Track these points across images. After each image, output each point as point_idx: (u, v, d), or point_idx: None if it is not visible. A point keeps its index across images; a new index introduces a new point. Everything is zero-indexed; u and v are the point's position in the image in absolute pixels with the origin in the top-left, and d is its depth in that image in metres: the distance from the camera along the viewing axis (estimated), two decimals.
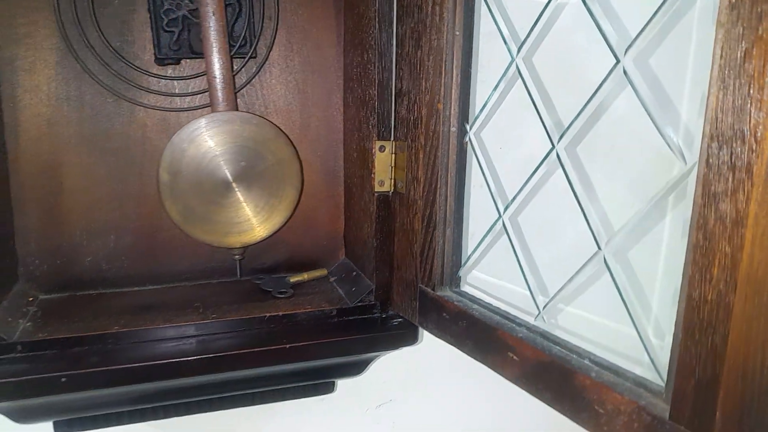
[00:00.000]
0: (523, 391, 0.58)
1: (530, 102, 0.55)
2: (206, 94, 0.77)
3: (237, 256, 0.82)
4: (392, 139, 0.73)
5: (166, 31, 0.74)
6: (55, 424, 0.74)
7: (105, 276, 0.81)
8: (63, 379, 0.64)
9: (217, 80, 0.73)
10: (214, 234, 0.76)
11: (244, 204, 0.75)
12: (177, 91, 0.77)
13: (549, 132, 0.53)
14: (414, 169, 0.70)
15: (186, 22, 0.74)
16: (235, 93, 0.76)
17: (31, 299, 0.77)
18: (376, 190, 0.74)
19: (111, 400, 0.71)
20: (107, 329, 0.69)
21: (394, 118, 0.73)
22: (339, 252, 0.91)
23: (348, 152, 0.85)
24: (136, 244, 0.81)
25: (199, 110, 0.78)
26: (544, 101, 0.54)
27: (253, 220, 0.76)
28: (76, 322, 0.71)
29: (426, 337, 0.83)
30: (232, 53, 0.77)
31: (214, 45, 0.72)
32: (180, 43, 0.75)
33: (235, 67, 0.77)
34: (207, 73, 0.73)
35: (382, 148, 0.73)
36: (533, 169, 0.56)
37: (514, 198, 0.59)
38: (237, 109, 0.76)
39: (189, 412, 0.78)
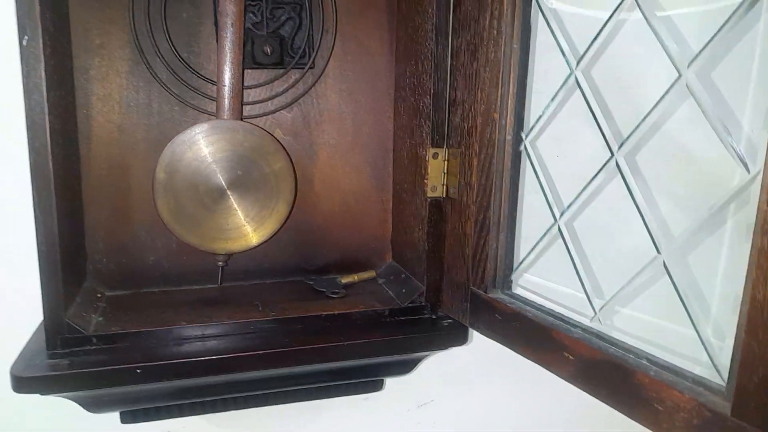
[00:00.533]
0: (568, 391, 0.60)
1: (588, 111, 0.58)
2: (266, 102, 0.80)
3: (220, 263, 0.82)
4: (446, 146, 0.76)
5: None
6: (121, 414, 0.78)
7: (167, 274, 0.85)
8: (138, 371, 0.68)
9: (226, 89, 0.75)
10: (200, 237, 0.77)
11: (236, 212, 0.77)
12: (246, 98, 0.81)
13: (608, 141, 0.56)
14: (467, 176, 0.73)
15: (249, 34, 0.78)
16: (242, 103, 0.78)
17: (99, 296, 0.81)
18: (428, 195, 0.77)
19: (175, 392, 0.75)
20: (175, 323, 0.73)
21: (448, 126, 0.76)
22: (386, 254, 0.94)
23: (398, 158, 0.88)
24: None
25: (258, 118, 0.82)
26: (603, 111, 0.57)
27: (242, 229, 0.77)
28: (145, 316, 0.75)
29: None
30: (291, 65, 0.81)
31: (228, 55, 0.75)
32: (244, 53, 0.79)
33: (294, 78, 0.81)
34: (217, 81, 0.76)
35: (435, 155, 0.77)
36: (591, 177, 0.58)
37: (570, 204, 0.61)
38: (242, 119, 0.78)
39: (245, 406, 0.81)
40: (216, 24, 0.78)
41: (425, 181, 0.78)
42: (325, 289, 0.84)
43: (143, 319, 0.74)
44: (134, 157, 0.80)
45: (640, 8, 0.52)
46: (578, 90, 0.59)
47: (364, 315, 0.79)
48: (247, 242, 0.77)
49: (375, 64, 0.86)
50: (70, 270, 0.71)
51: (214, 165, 0.73)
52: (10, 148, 0.76)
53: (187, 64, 0.79)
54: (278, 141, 0.78)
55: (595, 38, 0.56)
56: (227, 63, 0.73)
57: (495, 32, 0.66)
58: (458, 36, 0.73)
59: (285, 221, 0.79)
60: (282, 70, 0.81)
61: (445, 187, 0.77)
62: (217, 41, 0.74)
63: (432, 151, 0.76)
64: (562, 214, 0.63)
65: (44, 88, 0.62)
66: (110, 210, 0.81)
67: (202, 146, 0.72)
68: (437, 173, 0.77)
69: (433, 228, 0.78)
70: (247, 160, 0.74)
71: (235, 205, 0.75)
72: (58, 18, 0.70)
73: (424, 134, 0.78)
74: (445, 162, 0.77)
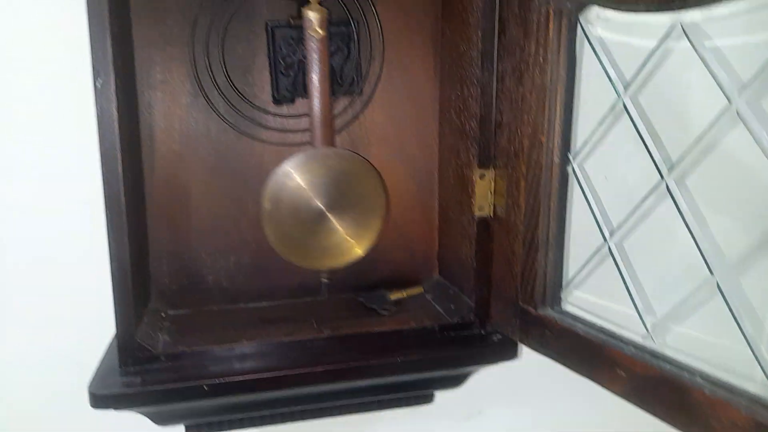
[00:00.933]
0: (618, 407, 0.62)
1: (636, 135, 0.60)
2: None
3: (324, 279, 0.87)
4: (492, 167, 0.79)
5: (284, 75, 0.83)
6: (186, 427, 0.82)
7: (226, 293, 0.89)
8: (204, 387, 0.72)
9: (317, 119, 0.80)
10: (306, 258, 0.82)
11: (336, 231, 0.81)
12: (290, 127, 0.85)
13: (658, 165, 0.58)
14: (515, 196, 0.75)
15: (301, 66, 0.82)
16: (334, 130, 0.82)
17: (163, 315, 0.86)
18: (476, 214, 0.80)
19: (236, 406, 0.79)
20: (237, 342, 0.77)
21: (494, 148, 0.78)
22: (433, 270, 0.97)
23: (444, 178, 0.91)
24: (252, 264, 0.89)
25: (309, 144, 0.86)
26: (652, 136, 0.59)
27: (344, 245, 0.82)
28: (208, 335, 0.80)
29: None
30: (341, 92, 0.84)
31: (316, 87, 0.79)
32: (295, 85, 0.83)
33: (345, 104, 0.85)
34: (309, 112, 0.80)
35: (482, 176, 0.79)
36: (641, 199, 0.60)
37: (620, 225, 0.63)
38: (334, 145, 0.82)
39: (302, 419, 0.85)
40: (270, 57, 0.82)
41: (472, 201, 0.80)
42: (375, 306, 0.88)
43: (207, 338, 0.78)
44: (194, 183, 0.85)
45: (688, 38, 0.53)
46: (626, 115, 0.61)
47: (415, 331, 0.81)
48: (348, 257, 0.83)
49: (420, 88, 0.89)
50: (137, 292, 0.76)
51: (313, 191, 0.79)
52: (84, 180, 0.82)
53: (242, 95, 0.83)
54: (368, 161, 0.82)
55: (643, 66, 0.58)
56: (316, 95, 0.77)
57: (541, 59, 0.68)
58: (503, 61, 0.75)
59: (380, 233, 0.84)
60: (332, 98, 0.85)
61: (492, 206, 0.80)
62: (305, 80, 0.79)
63: (479, 172, 0.79)
64: (612, 235, 0.65)
65: (116, 126, 0.67)
66: (172, 234, 0.86)
67: (300, 174, 0.78)
68: (484, 193, 0.80)
69: (480, 246, 0.81)
70: (342, 182, 0.80)
71: (335, 225, 0.80)
72: (126, 59, 0.75)
73: (470, 156, 0.80)
74: (492, 182, 0.79)
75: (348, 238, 0.82)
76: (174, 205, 0.85)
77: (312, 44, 0.75)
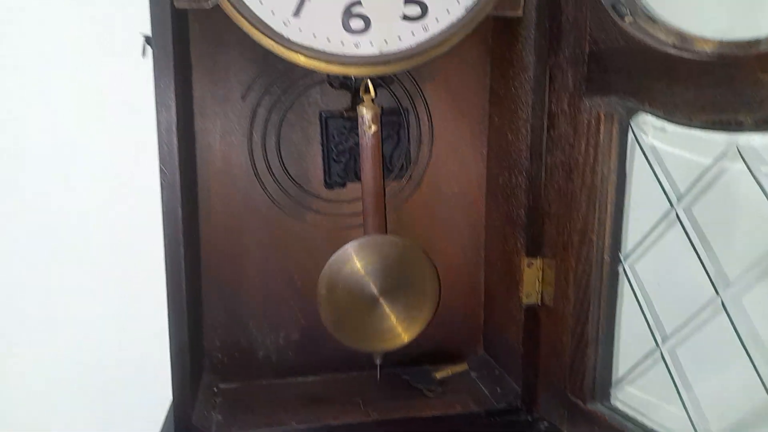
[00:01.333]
0: None
1: (690, 246, 0.60)
2: None
3: (378, 361, 0.88)
4: (540, 256, 0.80)
5: (335, 161, 0.86)
6: None
7: (275, 367, 0.91)
8: None
9: (370, 207, 0.82)
10: (360, 341, 0.84)
11: (389, 316, 0.83)
12: (342, 210, 0.88)
13: (713, 280, 0.58)
14: (563, 287, 0.75)
15: (352, 152, 0.85)
16: (386, 217, 0.85)
17: (215, 389, 0.89)
18: (524, 302, 0.80)
19: None
20: (286, 424, 0.79)
21: (542, 237, 0.79)
22: (477, 346, 0.97)
23: (490, 260, 0.92)
24: (301, 339, 0.91)
25: (360, 228, 0.88)
26: (706, 249, 0.59)
27: (395, 330, 0.84)
28: (258, 415, 0.82)
29: None
30: (391, 177, 0.87)
31: (369, 178, 0.81)
32: (347, 171, 0.86)
33: (395, 188, 0.87)
34: (362, 201, 0.82)
35: (530, 264, 0.80)
36: (695, 311, 0.60)
37: (674, 333, 0.63)
38: (386, 232, 0.84)
39: None
40: (323, 144, 0.85)
41: (520, 287, 0.81)
42: (421, 386, 0.88)
43: (258, 420, 0.80)
44: (247, 261, 0.88)
45: (744, 161, 0.54)
46: (679, 224, 0.61)
47: (462, 416, 0.82)
48: (399, 341, 0.84)
49: (468, 171, 0.91)
50: (193, 369, 0.78)
51: (367, 277, 0.81)
52: (147, 262, 0.87)
53: (294, 180, 0.86)
54: (420, 248, 0.84)
55: (697, 181, 0.58)
56: (369, 185, 0.80)
57: (591, 159, 0.69)
58: (552, 154, 0.76)
59: (432, 317, 0.85)
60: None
61: (539, 294, 0.80)
62: (356, 166, 0.83)
63: (527, 260, 0.80)
64: (664, 342, 0.65)
65: (179, 215, 0.71)
66: (225, 309, 0.89)
67: (356, 261, 0.81)
68: (532, 281, 0.80)
69: (528, 333, 0.81)
70: (395, 269, 0.82)
71: (388, 311, 0.83)
72: (189, 149, 0.79)
73: (518, 243, 0.81)
74: (540, 271, 0.80)
75: (398, 323, 0.83)
76: (228, 282, 0.88)
77: (365, 140, 0.78)
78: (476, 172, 0.92)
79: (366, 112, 0.77)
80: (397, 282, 0.82)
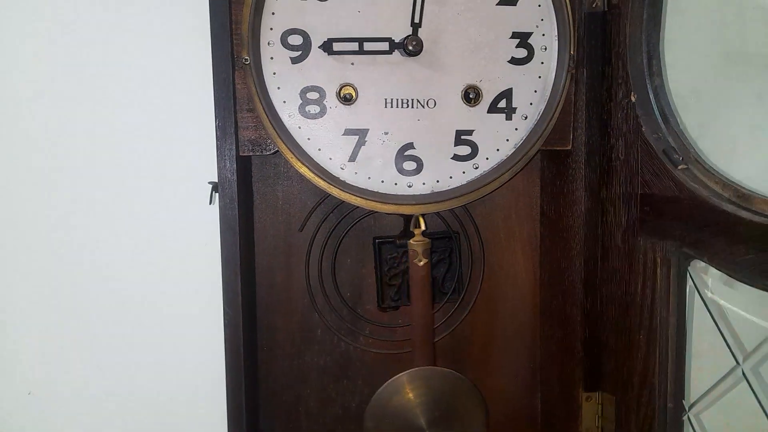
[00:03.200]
0: None
1: (758, 407, 0.57)
2: None
3: None
4: (599, 390, 0.77)
5: (389, 285, 0.87)
6: None
7: None
8: None
9: (419, 337, 0.82)
10: None
11: None
12: (395, 335, 0.89)
13: None
14: (626, 427, 0.73)
15: (405, 276, 0.87)
16: (434, 348, 0.84)
17: None
18: None
19: None
20: None
21: (601, 370, 0.77)
22: None
23: (547, 386, 0.90)
24: None
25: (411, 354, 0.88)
26: None
27: None
28: None
29: None
30: (444, 301, 0.87)
31: (418, 305, 0.81)
32: (400, 294, 0.87)
33: (448, 310, 0.88)
34: (411, 329, 0.82)
35: (588, 398, 0.78)
36: None
37: None
38: (435, 362, 0.83)
39: None
40: (376, 268, 0.87)
41: (579, 421, 0.78)
42: None
43: None
44: (305, 386, 0.89)
45: None
46: (745, 382, 0.59)
47: None
48: None
49: (521, 292, 0.91)
50: None
51: (415, 409, 0.81)
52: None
53: (347, 303, 0.88)
54: (468, 381, 0.83)
55: (762, 344, 0.56)
56: (419, 321, 0.81)
57: (649, 301, 0.68)
58: (607, 287, 0.75)
59: None
60: (436, 304, 0.88)
61: (600, 430, 0.77)
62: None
63: (585, 395, 0.78)
64: None
65: (242, 361, 0.74)
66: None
67: (404, 393, 0.81)
68: (591, 415, 0.78)
69: None
70: (443, 402, 0.81)
71: None
72: (248, 287, 0.83)
73: (576, 376, 0.79)
74: (599, 405, 0.77)
75: None
76: (288, 406, 0.89)
77: (415, 273, 0.80)
78: (530, 293, 0.91)
79: (416, 246, 0.79)
80: (445, 415, 0.81)
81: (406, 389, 0.81)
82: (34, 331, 0.93)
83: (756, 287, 0.56)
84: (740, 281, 0.57)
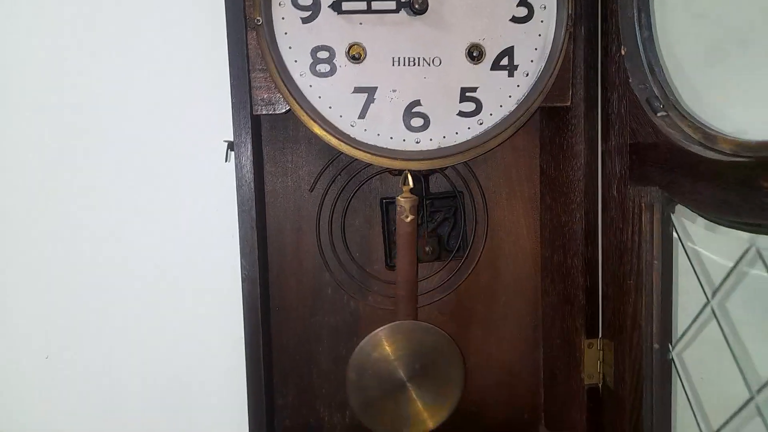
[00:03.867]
0: None
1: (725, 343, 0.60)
2: (426, 295, 0.90)
3: None
4: (599, 336, 0.81)
5: (396, 244, 0.90)
6: None
7: None
8: None
9: (402, 293, 0.84)
10: (386, 426, 0.85)
11: (415, 401, 0.84)
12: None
13: (746, 380, 0.58)
14: (621, 371, 0.76)
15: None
16: (417, 303, 0.88)
17: None
18: (585, 382, 0.81)
19: None
20: None
21: (601, 319, 0.81)
22: (538, 424, 0.97)
23: (549, 338, 0.93)
24: None
25: (422, 307, 0.91)
26: (740, 349, 0.59)
27: (420, 416, 0.85)
28: None
29: None
30: (449, 259, 0.91)
31: (404, 261, 0.84)
32: None
33: (453, 268, 0.91)
34: (395, 288, 0.85)
35: (590, 345, 0.81)
36: (732, 412, 0.60)
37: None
38: (416, 318, 0.86)
39: None
40: (383, 227, 0.90)
41: (581, 368, 0.82)
42: None
43: None
44: (317, 343, 0.92)
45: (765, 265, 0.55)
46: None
47: None
48: (424, 427, 0.85)
49: (523, 247, 0.94)
50: None
51: (396, 362, 0.83)
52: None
53: (356, 262, 0.91)
54: (448, 336, 0.86)
55: (724, 281, 0.60)
56: (403, 277, 0.84)
57: (636, 246, 0.72)
58: (606, 237, 0.79)
59: (457, 404, 0.86)
60: (440, 263, 0.91)
61: (601, 375, 0.81)
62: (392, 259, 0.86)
63: (587, 341, 0.81)
64: None
65: (259, 314, 0.77)
66: (296, 392, 0.93)
67: (385, 346, 0.83)
68: (593, 362, 0.81)
69: (591, 414, 0.81)
70: (423, 355, 0.84)
71: (414, 396, 0.84)
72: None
73: (577, 324, 0.83)
74: (600, 351, 0.81)
75: (424, 410, 0.84)
76: (300, 364, 0.93)
77: (402, 228, 0.82)
78: (531, 251, 0.95)
79: (404, 202, 0.82)
80: (425, 368, 0.84)
81: (388, 342, 0.84)
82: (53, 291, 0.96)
83: (711, 221, 0.60)
84: (702, 217, 0.61)
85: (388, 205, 0.90)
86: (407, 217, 0.82)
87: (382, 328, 0.83)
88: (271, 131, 0.89)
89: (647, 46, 0.71)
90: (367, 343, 0.83)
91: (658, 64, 0.70)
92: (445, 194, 0.91)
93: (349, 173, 0.90)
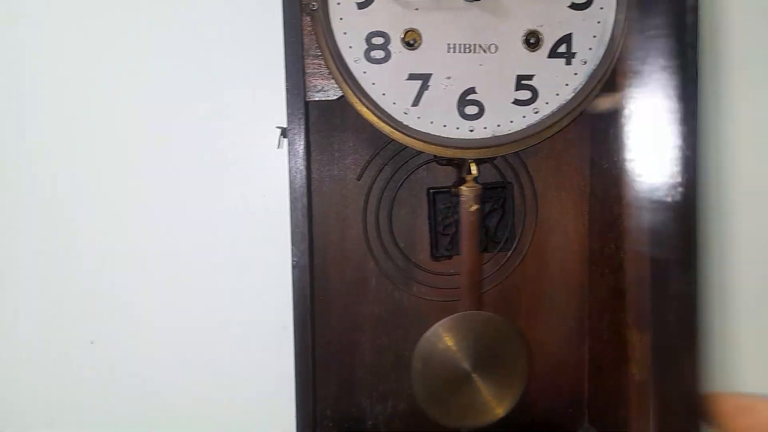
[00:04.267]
0: None
1: None
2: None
3: None
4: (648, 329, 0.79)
5: (443, 234, 0.89)
6: None
7: None
8: None
9: (465, 283, 0.84)
10: (451, 416, 0.84)
11: (480, 391, 0.84)
12: (448, 283, 0.91)
13: None
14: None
15: (458, 226, 0.89)
16: (481, 292, 0.86)
17: None
18: (635, 378, 0.80)
19: None
20: None
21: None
22: (582, 418, 0.96)
23: (596, 332, 0.92)
24: (407, 409, 0.93)
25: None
26: None
27: (485, 405, 0.84)
28: None
29: None
30: (497, 250, 0.89)
31: (467, 252, 0.83)
32: (453, 244, 0.89)
33: (500, 260, 0.90)
34: (460, 277, 0.84)
35: (641, 340, 0.79)
36: None
37: None
38: (481, 307, 0.86)
39: None
40: (430, 217, 0.89)
41: (630, 363, 0.80)
42: None
43: None
44: (360, 333, 0.92)
45: None
46: None
47: None
48: (490, 417, 0.84)
49: (571, 242, 0.93)
50: None
51: (460, 353, 0.83)
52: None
53: (403, 252, 0.90)
54: (512, 324, 0.85)
55: None
56: (467, 266, 0.83)
57: None
58: None
59: (521, 394, 0.85)
60: (488, 254, 0.90)
61: (649, 365, 0.79)
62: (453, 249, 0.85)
63: (638, 336, 0.79)
64: None
65: (309, 317, 0.77)
66: (338, 382, 0.92)
67: (450, 337, 0.83)
68: (644, 357, 0.80)
69: (638, 411, 0.80)
70: (488, 345, 0.83)
71: (479, 385, 0.83)
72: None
73: (628, 318, 0.81)
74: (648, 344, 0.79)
75: (490, 399, 0.84)
76: (341, 354, 0.92)
77: (466, 218, 0.81)
78: (578, 243, 0.93)
79: (468, 192, 0.81)
80: (489, 358, 0.83)
81: (453, 332, 0.83)
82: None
83: None
84: None
85: (435, 195, 0.89)
86: (471, 206, 0.81)
87: (446, 318, 0.83)
88: (317, 120, 0.88)
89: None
90: (433, 333, 0.83)
91: None
92: (494, 184, 0.90)
93: (396, 163, 0.89)
